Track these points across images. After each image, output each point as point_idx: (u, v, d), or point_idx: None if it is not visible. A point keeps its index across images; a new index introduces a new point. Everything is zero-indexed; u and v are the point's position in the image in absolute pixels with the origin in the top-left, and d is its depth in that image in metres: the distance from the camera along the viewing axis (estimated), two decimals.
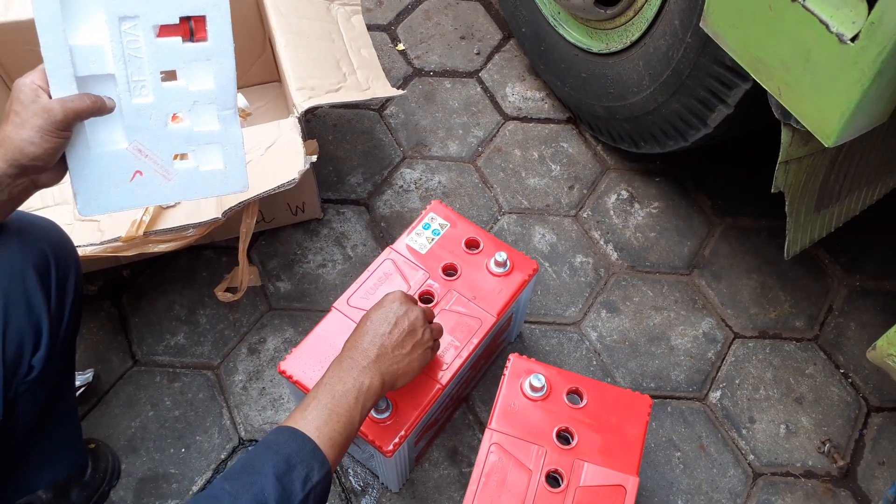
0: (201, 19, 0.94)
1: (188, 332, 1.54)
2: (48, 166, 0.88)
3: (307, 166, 1.33)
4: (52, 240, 1.02)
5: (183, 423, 1.43)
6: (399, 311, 1.06)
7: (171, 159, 1.00)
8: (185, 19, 0.94)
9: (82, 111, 0.88)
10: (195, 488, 1.35)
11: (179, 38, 0.94)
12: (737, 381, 1.51)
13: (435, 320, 1.24)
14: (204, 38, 0.95)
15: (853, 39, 0.83)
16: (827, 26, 0.86)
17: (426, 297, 1.27)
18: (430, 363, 1.18)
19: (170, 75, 0.97)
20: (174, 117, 0.99)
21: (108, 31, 0.89)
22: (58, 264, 1.01)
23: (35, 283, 0.96)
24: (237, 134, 1.03)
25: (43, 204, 1.32)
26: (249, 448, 0.86)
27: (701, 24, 1.11)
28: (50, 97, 0.86)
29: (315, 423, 0.89)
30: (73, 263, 1.06)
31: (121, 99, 0.93)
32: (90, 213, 0.97)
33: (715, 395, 1.49)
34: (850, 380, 1.52)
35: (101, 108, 0.90)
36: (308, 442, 0.87)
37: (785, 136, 1.08)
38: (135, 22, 0.90)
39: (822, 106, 0.90)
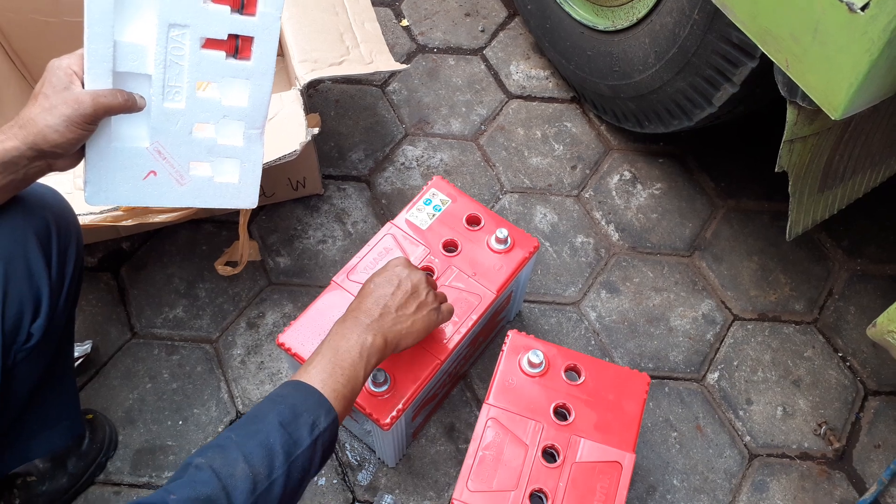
0: (249, 39, 0.95)
1: (187, 306, 1.54)
2: (67, 154, 0.88)
3: (308, 138, 1.33)
4: (53, 208, 1.02)
5: (181, 396, 1.43)
6: (402, 274, 1.06)
7: (187, 165, 1.00)
8: (233, 37, 0.94)
9: (112, 108, 0.88)
10: None
11: (223, 53, 0.95)
12: (735, 363, 1.51)
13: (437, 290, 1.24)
14: (247, 58, 0.96)
15: (863, 9, 0.82)
16: None
17: (426, 273, 1.26)
18: (433, 333, 1.18)
19: (204, 86, 0.98)
20: (199, 126, 1.00)
21: (156, 34, 0.89)
22: (59, 233, 1.01)
23: (36, 251, 0.96)
24: (259, 153, 1.04)
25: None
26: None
27: None
28: (83, 85, 0.86)
29: (320, 376, 0.90)
30: (75, 232, 1.06)
31: (152, 100, 0.93)
32: (97, 203, 0.98)
33: (713, 377, 1.49)
34: (848, 363, 1.52)
35: (131, 107, 0.90)
36: (313, 392, 0.87)
37: (790, 114, 1.07)
38: (184, 31, 0.90)
39: (830, 77, 0.89)
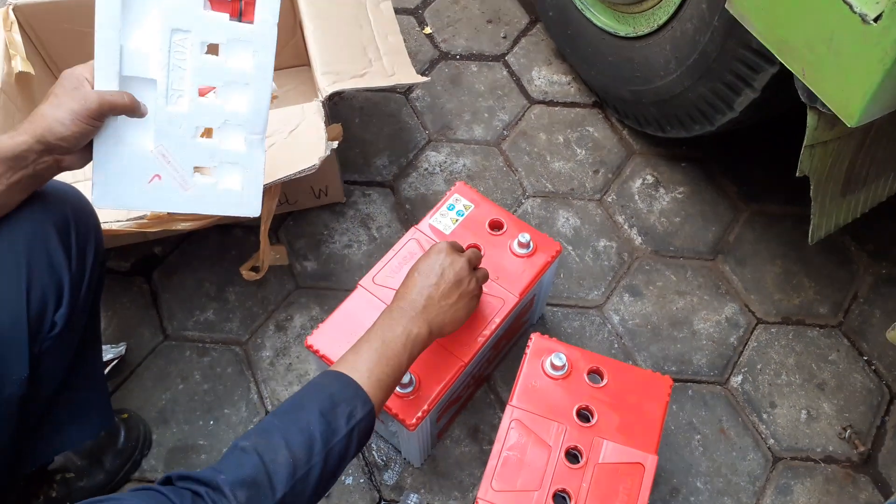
0: (248, 46, 1.00)
1: (217, 309, 1.58)
2: (73, 149, 0.94)
3: (328, 153, 1.35)
4: (72, 203, 1.06)
5: (212, 397, 1.47)
6: (445, 263, 1.09)
7: (191, 170, 1.04)
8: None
9: (117, 106, 0.93)
10: None
11: (224, 58, 1.00)
12: (758, 367, 1.51)
13: None
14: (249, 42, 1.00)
15: (876, 20, 0.84)
16: (850, 6, 0.86)
17: (470, 254, 1.27)
18: (456, 335, 1.20)
19: (207, 90, 1.02)
20: (206, 132, 1.04)
21: (160, 39, 0.94)
22: (78, 226, 1.05)
23: (56, 243, 1.01)
24: (260, 160, 1.07)
25: (74, 179, 1.35)
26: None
27: (727, 6, 1.11)
28: (92, 88, 0.92)
29: (366, 364, 0.94)
30: (94, 226, 1.10)
31: (157, 104, 0.98)
32: (104, 204, 1.03)
33: (736, 380, 1.49)
34: (873, 367, 1.51)
35: (134, 109, 0.96)
36: (351, 383, 0.91)
37: (811, 119, 1.08)
38: (186, 35, 0.95)
39: (845, 86, 0.90)
